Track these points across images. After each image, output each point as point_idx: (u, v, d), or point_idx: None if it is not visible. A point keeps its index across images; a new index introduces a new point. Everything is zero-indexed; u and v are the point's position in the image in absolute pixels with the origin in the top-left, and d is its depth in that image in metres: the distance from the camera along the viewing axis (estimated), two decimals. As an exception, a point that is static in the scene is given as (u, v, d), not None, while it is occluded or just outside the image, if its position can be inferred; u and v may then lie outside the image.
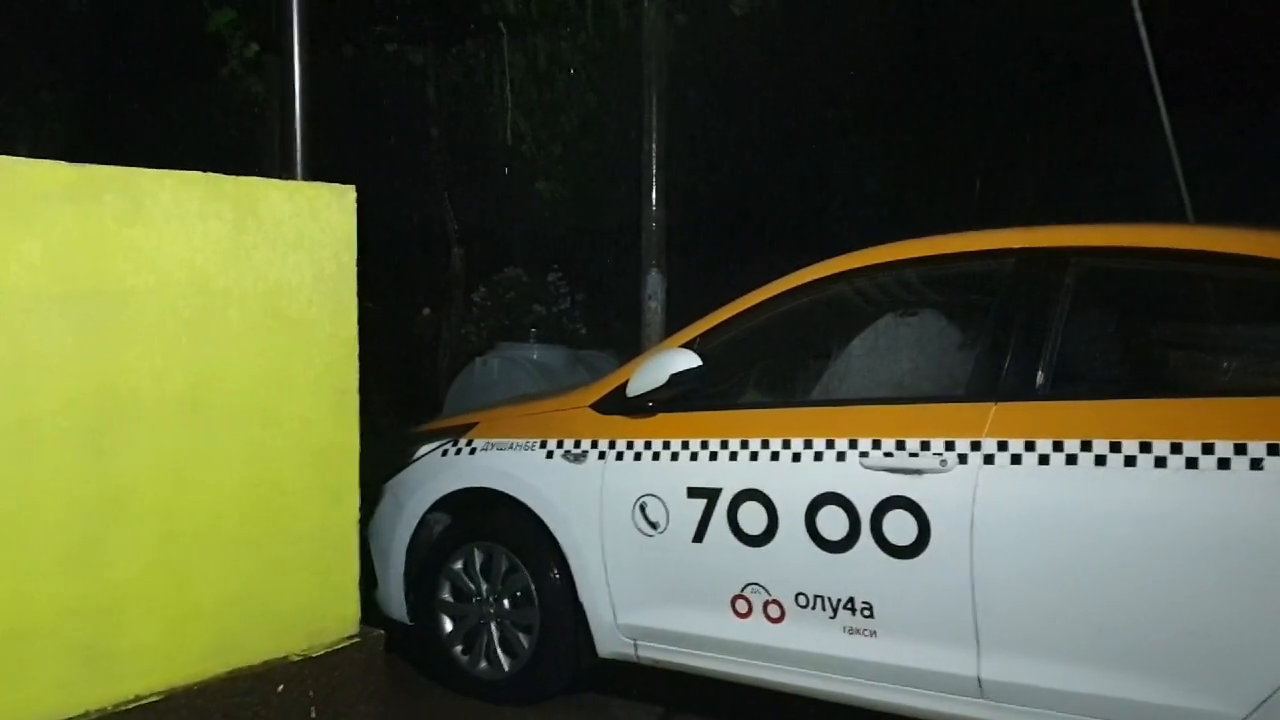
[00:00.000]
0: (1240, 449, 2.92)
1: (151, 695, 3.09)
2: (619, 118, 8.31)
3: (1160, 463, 3.01)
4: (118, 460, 3.01)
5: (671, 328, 7.06)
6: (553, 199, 8.81)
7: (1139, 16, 5.77)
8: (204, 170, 3.23)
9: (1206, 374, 3.50)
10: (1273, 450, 2.88)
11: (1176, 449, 3.00)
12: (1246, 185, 7.40)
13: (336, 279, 3.53)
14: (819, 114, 9.33)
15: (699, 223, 8.68)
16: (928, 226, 3.90)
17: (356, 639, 3.62)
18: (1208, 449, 2.96)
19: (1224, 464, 2.93)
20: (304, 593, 3.51)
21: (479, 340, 8.95)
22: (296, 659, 3.44)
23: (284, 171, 3.61)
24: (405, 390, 8.70)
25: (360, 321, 3.61)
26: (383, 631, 3.72)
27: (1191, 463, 2.97)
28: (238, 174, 3.31)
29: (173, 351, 3.11)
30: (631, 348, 7.54)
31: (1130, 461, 3.04)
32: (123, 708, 3.02)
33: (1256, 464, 2.89)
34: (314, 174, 3.75)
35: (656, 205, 7.14)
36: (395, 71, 8.82)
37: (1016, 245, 3.51)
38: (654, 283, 7.17)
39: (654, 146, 7.07)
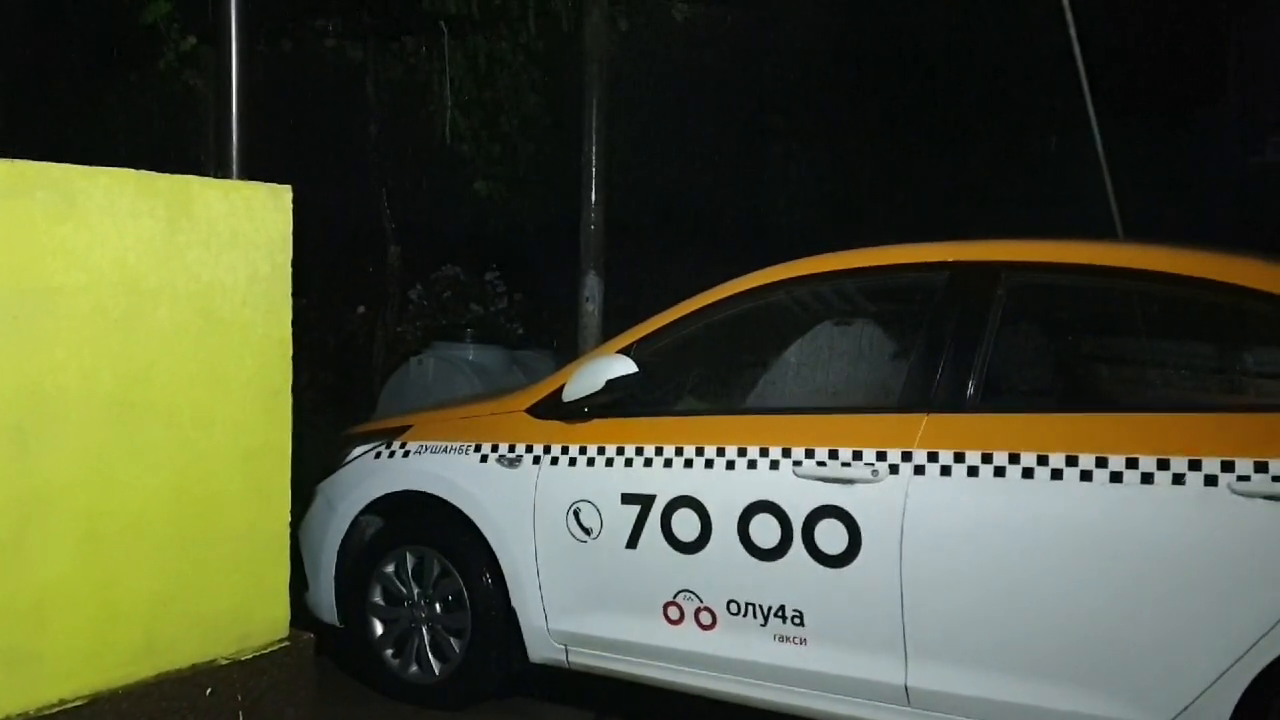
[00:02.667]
0: (1163, 464, 2.99)
1: (76, 699, 3.04)
2: (559, 119, 8.30)
3: (1086, 476, 3.07)
4: (43, 459, 2.96)
5: (609, 330, 7.07)
6: (491, 198, 8.77)
7: (1073, 32, 5.87)
8: (140, 166, 3.18)
9: (1132, 389, 3.57)
10: (1194, 465, 2.95)
11: (1102, 463, 3.06)
12: (1173, 193, 7.57)
13: (271, 279, 3.50)
14: (760, 119, 9.39)
15: (639, 226, 8.70)
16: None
17: (286, 642, 3.59)
18: (1132, 463, 3.02)
19: (1147, 478, 3.00)
20: (233, 595, 3.48)
21: (414, 339, 8.89)
22: (225, 662, 3.41)
23: (219, 170, 3.56)
24: (340, 388, 8.62)
25: (295, 319, 3.58)
26: (313, 635, 3.69)
27: (1116, 477, 3.03)
28: (176, 169, 3.27)
29: (102, 351, 3.07)
30: (569, 348, 7.53)
31: (1057, 475, 3.10)
32: (45, 712, 2.97)
33: (1179, 479, 2.96)
34: (250, 171, 3.71)
35: (596, 208, 7.12)
36: (334, 67, 8.73)
37: (950, 258, 3.56)
38: (592, 285, 7.15)
39: (594, 149, 7.06)
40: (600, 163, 7.08)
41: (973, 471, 3.22)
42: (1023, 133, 8.79)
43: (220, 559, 3.42)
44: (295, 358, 3.59)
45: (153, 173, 3.18)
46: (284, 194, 3.53)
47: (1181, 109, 8.50)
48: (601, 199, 7.13)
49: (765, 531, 3.49)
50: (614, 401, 3.83)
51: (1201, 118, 8.61)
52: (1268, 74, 8.71)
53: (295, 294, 3.57)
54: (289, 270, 3.55)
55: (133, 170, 3.13)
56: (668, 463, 3.69)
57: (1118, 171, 5.96)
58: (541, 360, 8.11)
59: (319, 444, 4.64)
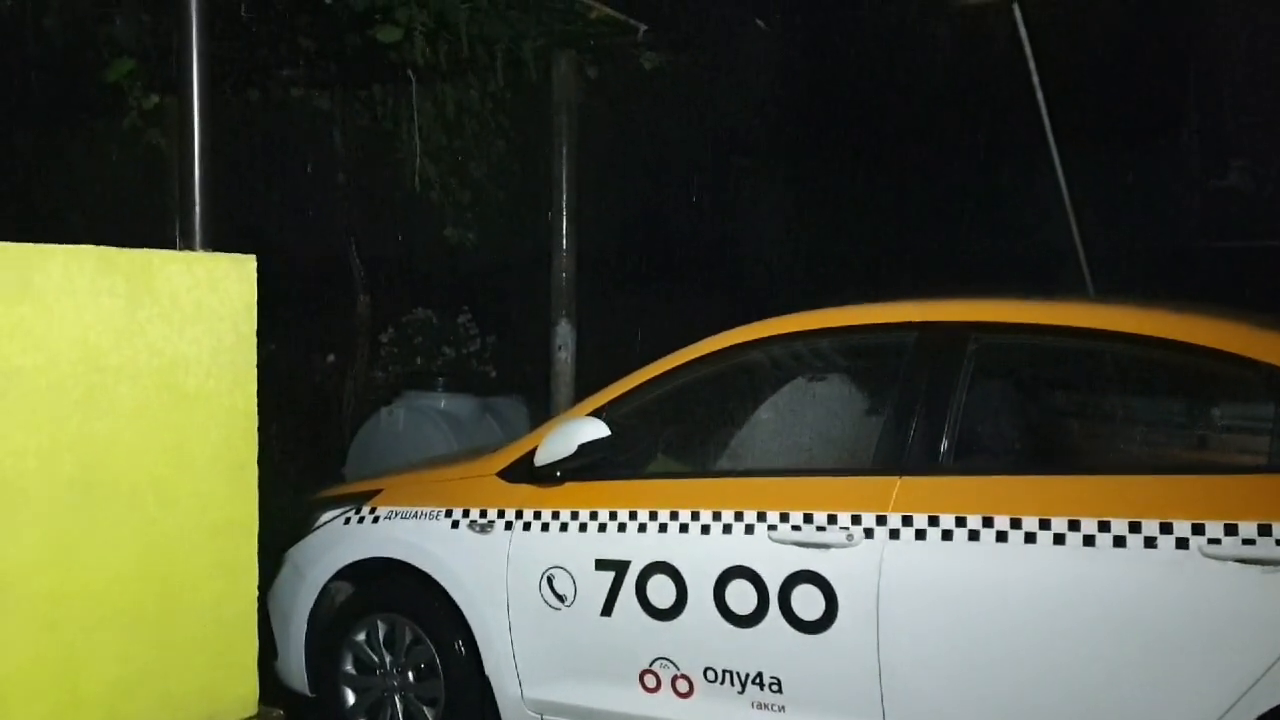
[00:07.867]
0: (1135, 527, 2.97)
1: (36, 791, 2.97)
2: (529, 166, 8.29)
3: (1059, 540, 3.05)
4: (2, 544, 2.91)
5: (583, 375, 7.04)
6: (461, 245, 8.75)
7: (1032, 66, 5.91)
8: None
9: (1103, 451, 3.56)
10: (1165, 528, 2.94)
11: (1074, 526, 3.04)
12: (1138, 219, 7.61)
13: (235, 350, 3.46)
14: (728, 163, 9.42)
15: (611, 270, 8.69)
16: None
17: (255, 720, 3.54)
18: (1104, 526, 3.01)
19: (1120, 542, 2.98)
20: (201, 674, 3.42)
21: (386, 386, 8.83)
22: (191, 744, 3.35)
23: (184, 240, 3.52)
24: (310, 439, 8.54)
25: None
26: (282, 711, 3.64)
27: (1089, 540, 3.01)
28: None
29: (61, 432, 3.02)
30: (542, 392, 7.49)
31: (1030, 538, 3.08)
32: (5, 806, 2.90)
33: (1150, 542, 2.94)
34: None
35: (567, 255, 7.12)
36: (301, 116, 8.70)
37: (918, 319, 3.55)
38: (564, 333, 7.14)
39: (564, 197, 7.06)
40: (570, 210, 7.08)
41: (947, 535, 3.19)
42: (987, 165, 8.83)
43: (186, 638, 3.36)
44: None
45: (112, 248, 3.15)
46: (248, 263, 3.50)
47: (1143, 135, 8.53)
48: (572, 247, 7.13)
49: (741, 597, 3.46)
50: (586, 465, 3.79)
51: (1164, 143, 8.65)
52: (1229, 97, 8.78)
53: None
54: (254, 340, 3.52)
55: (92, 247, 3.10)
56: (642, 528, 3.65)
57: (1081, 199, 5.98)
58: (514, 408, 8.06)
59: (287, 492, 4.56)
